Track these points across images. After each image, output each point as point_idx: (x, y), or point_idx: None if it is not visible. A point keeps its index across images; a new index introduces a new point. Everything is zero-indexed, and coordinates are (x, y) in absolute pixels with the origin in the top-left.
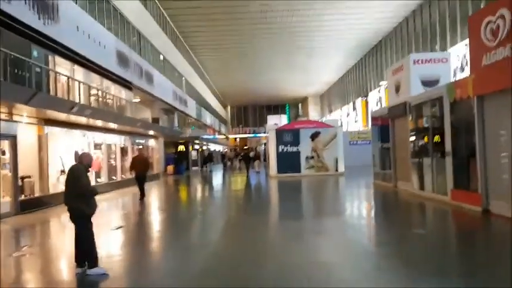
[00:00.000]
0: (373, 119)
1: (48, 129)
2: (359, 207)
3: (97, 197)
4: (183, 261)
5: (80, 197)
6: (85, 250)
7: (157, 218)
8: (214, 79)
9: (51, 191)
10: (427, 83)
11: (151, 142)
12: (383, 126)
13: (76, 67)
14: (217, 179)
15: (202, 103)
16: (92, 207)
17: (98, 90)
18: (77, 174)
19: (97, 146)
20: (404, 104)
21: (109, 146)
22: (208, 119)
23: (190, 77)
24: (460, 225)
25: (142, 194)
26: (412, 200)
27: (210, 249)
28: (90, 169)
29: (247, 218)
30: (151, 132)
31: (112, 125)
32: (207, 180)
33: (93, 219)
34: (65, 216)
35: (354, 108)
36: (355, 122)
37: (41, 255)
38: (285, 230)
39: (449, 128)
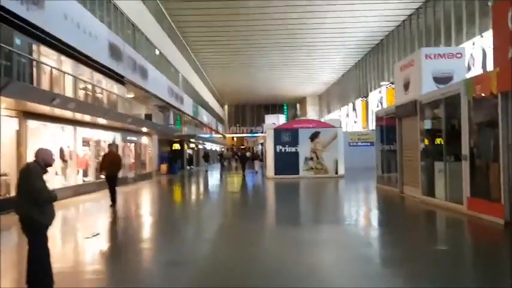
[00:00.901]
0: (377, 119)
1: (29, 123)
2: (364, 215)
3: (81, 197)
4: (163, 281)
5: (33, 204)
6: (37, 269)
7: (141, 224)
8: (212, 77)
9: None
10: (440, 80)
11: (144, 139)
12: (387, 126)
13: (64, 58)
14: (212, 179)
15: (199, 101)
16: (47, 217)
17: (86, 83)
18: (29, 175)
19: (85, 143)
20: (414, 102)
21: (98, 143)
22: (205, 117)
23: (187, 74)
24: (484, 241)
25: (113, 199)
26: (422, 208)
27: (197, 266)
28: (48, 169)
29: (240, 225)
30: (144, 129)
31: (101, 121)
32: (200, 181)
33: (69, 224)
34: None
35: (354, 109)
36: (355, 122)
37: None
38: (281, 241)
39: (467, 128)
